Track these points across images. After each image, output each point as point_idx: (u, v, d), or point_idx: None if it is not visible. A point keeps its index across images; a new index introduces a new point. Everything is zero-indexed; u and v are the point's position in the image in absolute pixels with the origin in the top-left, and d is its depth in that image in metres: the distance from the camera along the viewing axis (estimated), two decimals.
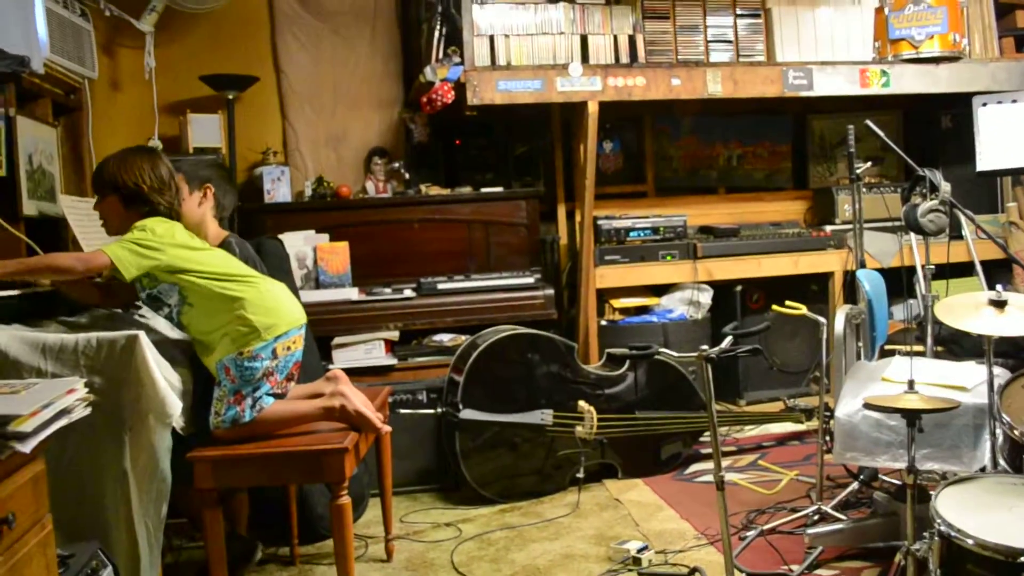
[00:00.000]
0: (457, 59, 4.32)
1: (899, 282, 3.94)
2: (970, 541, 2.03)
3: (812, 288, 4.84)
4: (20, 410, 1.59)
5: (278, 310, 2.65)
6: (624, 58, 4.59)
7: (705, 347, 2.58)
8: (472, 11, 4.38)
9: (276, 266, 3.54)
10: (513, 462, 3.71)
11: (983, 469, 2.56)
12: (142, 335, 2.29)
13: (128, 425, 2.28)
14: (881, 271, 4.12)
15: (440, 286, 4.45)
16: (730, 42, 4.76)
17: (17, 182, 3.10)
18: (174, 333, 2.62)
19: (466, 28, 4.36)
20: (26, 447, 1.57)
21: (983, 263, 3.87)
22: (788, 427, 4.40)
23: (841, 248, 4.80)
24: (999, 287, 2.48)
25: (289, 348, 2.66)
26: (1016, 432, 2.35)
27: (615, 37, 4.61)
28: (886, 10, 4.73)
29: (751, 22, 4.80)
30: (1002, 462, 2.48)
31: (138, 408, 2.29)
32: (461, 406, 3.63)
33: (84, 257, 2.57)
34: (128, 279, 2.52)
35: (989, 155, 3.65)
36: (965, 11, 4.77)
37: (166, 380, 2.35)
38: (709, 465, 3.93)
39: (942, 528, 2.09)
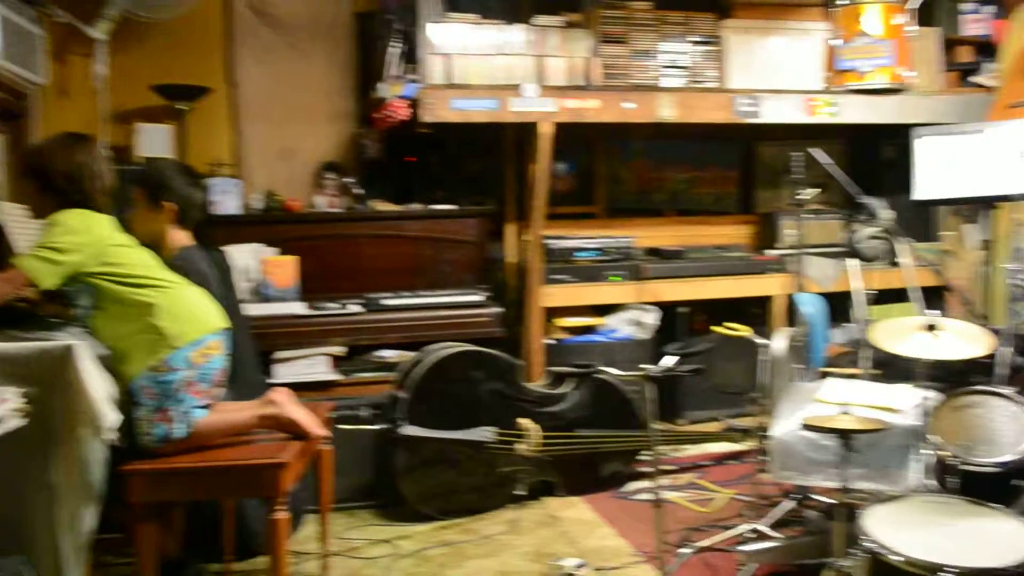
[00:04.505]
0: (412, 76, 4.34)
1: (841, 306, 4.04)
2: (895, 557, 2.07)
3: (754, 311, 4.91)
4: None
5: (190, 316, 2.58)
6: (579, 80, 4.65)
7: (647, 366, 2.60)
8: (429, 29, 4.40)
9: (220, 279, 3.50)
10: (453, 479, 3.70)
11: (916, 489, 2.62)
12: (79, 345, 2.25)
13: (58, 437, 2.22)
14: (824, 295, 4.21)
15: (387, 302, 4.44)
16: (683, 68, 4.85)
17: None
18: None
19: (422, 46, 4.38)
20: None
21: (920, 289, 3.96)
22: (727, 447, 4.45)
23: (784, 272, 4.88)
24: (932, 313, 2.54)
25: (206, 355, 2.58)
26: (943, 453, 2.41)
27: (571, 60, 4.66)
28: (835, 42, 4.85)
29: (704, 49, 4.89)
30: (930, 481, 2.53)
31: (70, 419, 2.24)
32: (403, 422, 3.62)
33: (4, 278, 2.44)
34: (49, 287, 2.42)
35: (925, 185, 3.75)
36: (911, 45, 4.92)
37: (106, 392, 2.30)
38: (648, 483, 3.97)
39: (869, 544, 2.14)
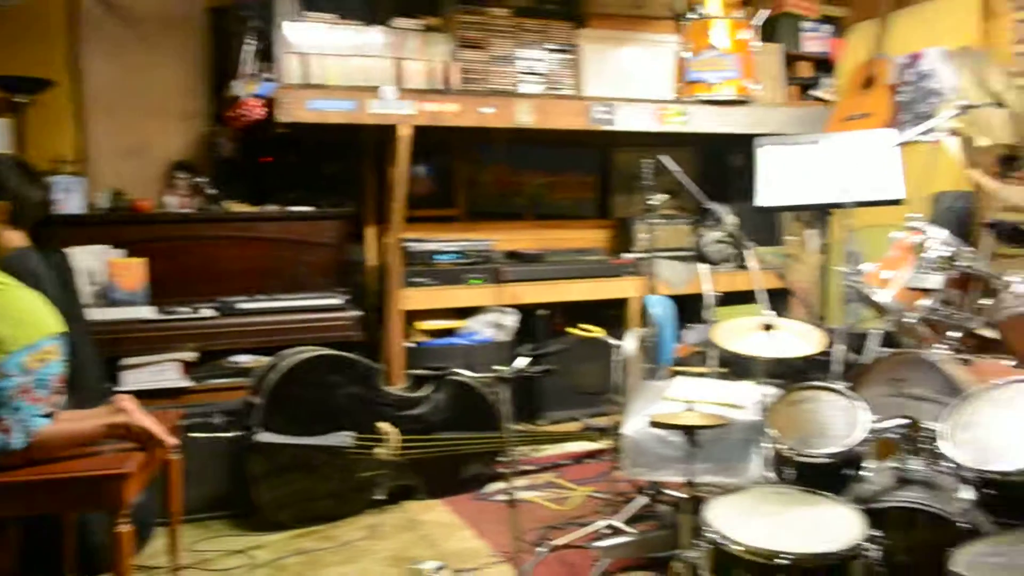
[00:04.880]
0: (268, 75, 4.25)
1: (693, 308, 4.19)
2: (735, 546, 2.17)
3: (611, 313, 5.04)
4: None
5: (23, 320, 2.45)
6: (438, 84, 4.66)
7: (500, 367, 2.63)
8: (286, 28, 4.31)
9: (59, 281, 3.32)
10: (311, 485, 3.63)
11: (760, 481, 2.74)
12: None
13: None
14: (676, 297, 4.37)
15: (243, 306, 4.32)
16: (541, 75, 4.94)
17: None
18: None
19: (278, 44, 4.29)
20: None
21: (767, 292, 4.16)
22: (585, 446, 4.55)
23: (639, 275, 5.03)
24: (769, 313, 2.68)
25: (43, 360, 2.44)
26: (779, 446, 2.54)
27: (430, 63, 4.67)
28: (685, 54, 5.05)
29: (562, 57, 5.01)
30: (769, 473, 2.66)
31: None
32: (258, 429, 3.53)
33: None
34: None
35: (766, 192, 3.95)
36: (756, 60, 5.16)
37: None
38: (509, 484, 4.01)
39: (711, 535, 2.23)
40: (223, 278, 4.47)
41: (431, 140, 5.18)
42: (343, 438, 3.67)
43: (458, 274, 4.78)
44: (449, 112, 4.52)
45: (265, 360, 3.90)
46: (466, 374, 2.85)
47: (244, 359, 4.24)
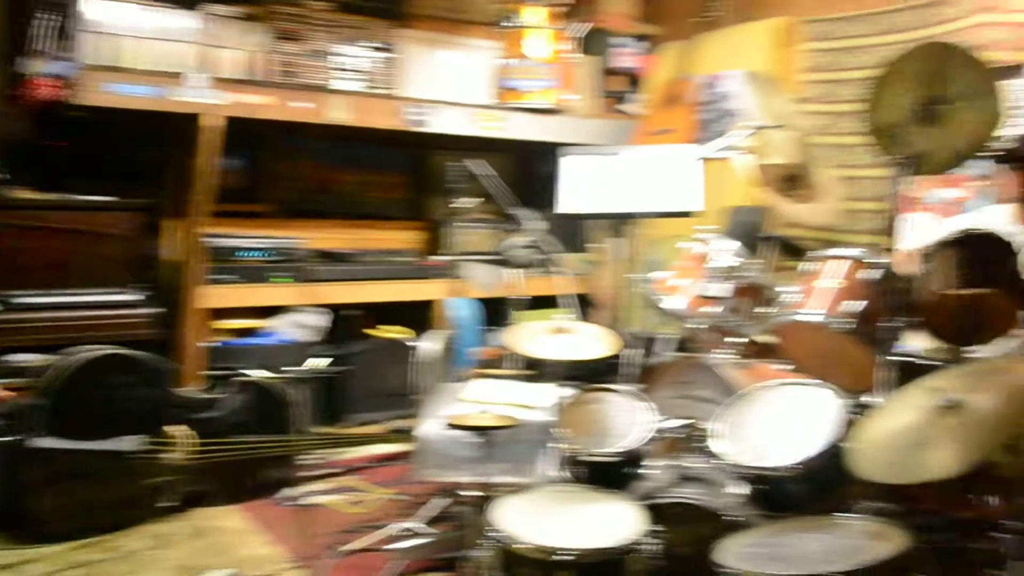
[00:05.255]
0: (65, 54, 3.98)
1: (503, 311, 4.25)
2: (519, 545, 2.21)
3: (423, 314, 5.03)
4: None
5: None
6: (253, 75, 4.51)
7: (295, 368, 2.58)
8: (85, 5, 4.05)
9: None
10: (93, 493, 3.41)
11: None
12: None
13: None
14: (489, 300, 4.41)
15: (26, 300, 4.02)
16: (360, 72, 4.88)
17: None
18: None
19: (77, 22, 4.03)
20: None
21: (573, 297, 4.28)
22: (389, 448, 4.52)
23: (450, 277, 5.05)
24: (569, 317, 2.75)
25: None
26: (568, 446, 2.61)
27: (244, 53, 4.51)
28: (503, 61, 5.12)
29: (379, 56, 4.95)
30: (559, 472, 2.73)
31: None
32: (37, 433, 3.29)
33: None
34: None
35: (567, 200, 4.07)
36: (573, 71, 5.30)
37: None
38: (307, 488, 3.94)
39: (496, 534, 2.26)
40: (5, 271, 4.14)
41: (244, 132, 5.01)
42: (129, 442, 3.47)
43: (264, 272, 4.64)
44: (262, 104, 4.40)
45: (50, 359, 3.65)
46: (260, 375, 2.76)
47: (28, 358, 3.95)
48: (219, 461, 3.72)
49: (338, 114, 4.59)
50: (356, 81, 4.86)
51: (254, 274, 4.60)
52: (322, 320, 4.71)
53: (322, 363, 2.72)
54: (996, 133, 2.97)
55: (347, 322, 4.88)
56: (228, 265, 4.56)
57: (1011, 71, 3.82)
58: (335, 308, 4.82)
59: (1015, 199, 3.32)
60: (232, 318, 4.64)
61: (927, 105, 2.68)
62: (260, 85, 4.43)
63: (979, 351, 2.97)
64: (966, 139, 2.75)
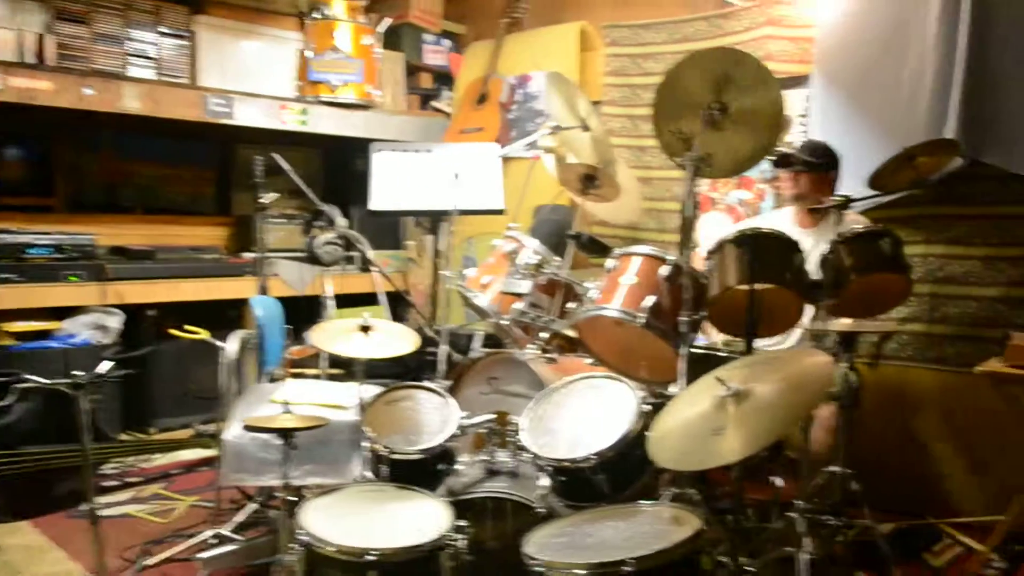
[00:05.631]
0: None
1: (317, 310, 4.17)
2: (326, 547, 2.19)
3: (231, 313, 4.86)
4: None
5: None
6: (29, 58, 4.19)
7: (79, 373, 2.44)
8: None
9: None
10: None
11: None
12: None
13: None
14: (303, 299, 4.31)
15: None
16: (152, 59, 4.64)
17: None
18: None
19: None
20: None
21: (389, 294, 4.26)
22: (199, 453, 4.36)
23: (258, 275, 4.91)
24: (370, 314, 2.75)
25: None
26: (376, 445, 2.61)
27: (19, 33, 4.18)
28: (308, 53, 5.01)
29: (176, 43, 4.74)
30: (369, 472, 2.73)
31: None
32: None
33: None
34: None
35: (380, 196, 4.05)
36: (379, 66, 5.26)
37: None
38: (108, 499, 3.75)
39: (303, 538, 2.23)
40: None
41: (24, 119, 4.66)
42: None
43: (54, 270, 4.32)
44: (43, 90, 4.10)
45: None
46: (40, 381, 2.59)
47: None
48: (7, 474, 3.47)
49: (131, 103, 4.35)
50: (150, 68, 4.62)
51: (44, 273, 4.28)
52: (118, 321, 4.45)
53: (106, 367, 2.58)
54: (779, 139, 3.21)
55: (148, 323, 4.64)
56: (13, 263, 4.22)
57: (795, 81, 4.15)
58: (135, 308, 4.58)
59: (796, 201, 3.58)
60: (18, 320, 4.30)
61: (713, 110, 2.85)
62: (39, 69, 4.13)
63: (765, 343, 3.21)
64: (751, 144, 2.95)
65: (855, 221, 3.31)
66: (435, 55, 6.01)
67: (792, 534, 2.70)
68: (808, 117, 4.10)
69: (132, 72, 4.53)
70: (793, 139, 4.16)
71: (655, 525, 2.22)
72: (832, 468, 2.92)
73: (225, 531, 3.25)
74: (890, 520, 3.63)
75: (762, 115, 2.86)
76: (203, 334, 3.40)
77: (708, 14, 4.58)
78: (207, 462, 4.32)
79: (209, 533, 3.26)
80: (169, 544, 3.27)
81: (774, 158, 3.57)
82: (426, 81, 6.05)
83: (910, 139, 3.31)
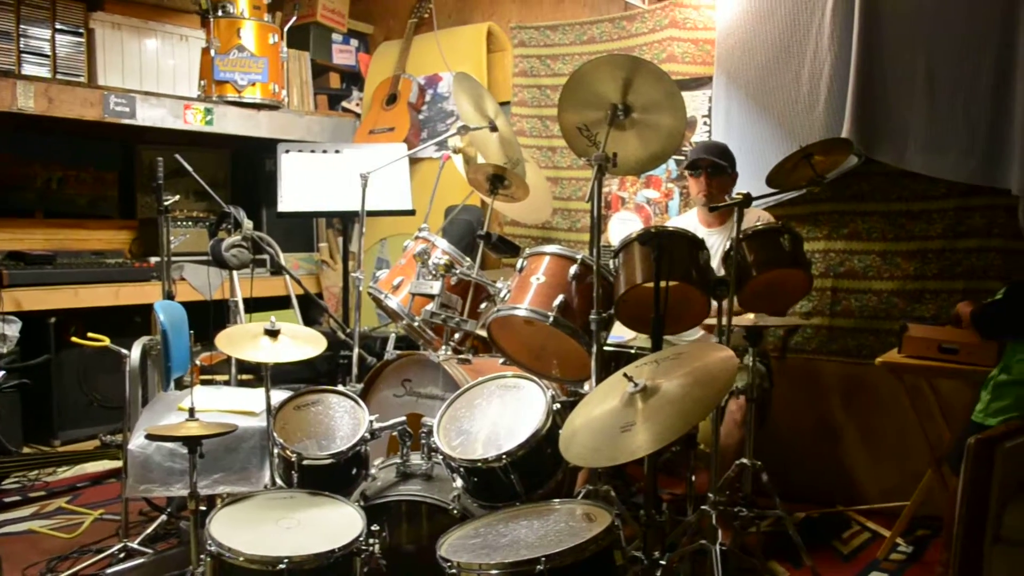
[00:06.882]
0: None
1: (222, 313, 4.10)
2: (236, 557, 2.15)
3: (136, 320, 4.73)
4: None
5: None
6: None
7: None
8: None
9: None
10: None
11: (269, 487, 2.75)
12: None
13: None
14: (214, 303, 4.22)
15: None
16: (47, 56, 4.48)
17: None
18: None
19: None
20: None
21: (301, 297, 4.20)
22: (105, 465, 4.24)
23: (163, 280, 4.78)
24: (277, 318, 2.71)
25: None
26: (287, 451, 2.58)
27: None
28: (212, 52, 4.90)
29: (72, 40, 4.58)
30: (279, 479, 2.69)
31: None
32: None
33: None
34: None
35: (289, 198, 3.99)
36: (285, 65, 5.18)
37: None
38: (9, 515, 3.62)
39: (213, 548, 2.19)
40: None
41: None
42: None
43: None
44: None
45: None
46: None
47: None
48: None
49: (25, 102, 4.19)
50: (43, 67, 4.46)
51: None
52: (15, 329, 4.29)
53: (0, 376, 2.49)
54: (681, 140, 3.28)
55: (47, 331, 4.47)
56: None
57: (697, 82, 4.24)
58: (36, 316, 4.41)
59: (699, 201, 3.66)
60: None
61: (617, 111, 2.90)
62: None
63: (673, 339, 3.28)
64: (654, 144, 3.00)
65: (761, 218, 3.40)
66: (344, 55, 5.94)
67: (706, 527, 2.77)
68: (711, 117, 4.20)
69: (27, 70, 4.37)
70: (696, 139, 4.26)
71: (568, 523, 2.25)
72: (743, 461, 3.00)
73: (133, 544, 3.17)
74: (801, 509, 3.76)
75: (664, 117, 2.92)
76: (105, 341, 3.30)
77: (613, 16, 4.65)
78: (114, 474, 4.20)
79: (117, 547, 3.18)
80: (75, 560, 3.19)
81: (684, 161, 3.66)
82: (335, 81, 5.98)
83: (809, 138, 3.43)
